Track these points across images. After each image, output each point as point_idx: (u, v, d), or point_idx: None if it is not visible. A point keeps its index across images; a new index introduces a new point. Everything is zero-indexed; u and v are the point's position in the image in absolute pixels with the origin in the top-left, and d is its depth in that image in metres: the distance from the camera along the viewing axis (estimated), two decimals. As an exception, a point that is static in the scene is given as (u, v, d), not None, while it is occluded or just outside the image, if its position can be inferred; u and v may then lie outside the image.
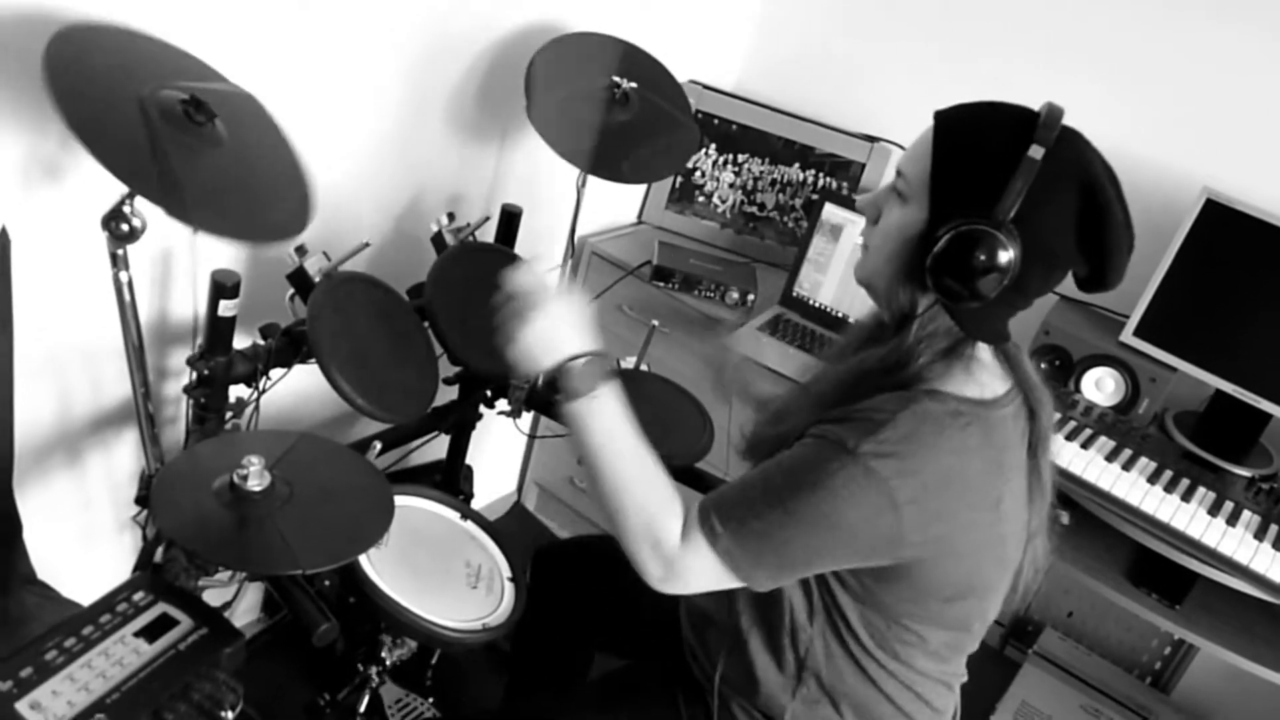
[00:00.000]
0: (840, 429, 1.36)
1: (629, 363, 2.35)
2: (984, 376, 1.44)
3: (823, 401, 1.49)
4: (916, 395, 1.38)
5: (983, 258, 1.30)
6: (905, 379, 1.41)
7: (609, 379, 1.47)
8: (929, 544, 1.37)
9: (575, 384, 1.45)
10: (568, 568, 2.11)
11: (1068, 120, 1.34)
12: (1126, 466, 2.24)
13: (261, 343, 1.87)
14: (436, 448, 2.50)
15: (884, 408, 1.36)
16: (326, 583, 1.79)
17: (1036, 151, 1.28)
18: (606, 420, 1.46)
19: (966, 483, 1.37)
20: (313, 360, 1.77)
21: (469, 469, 2.61)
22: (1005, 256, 1.30)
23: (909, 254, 1.39)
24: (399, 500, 1.92)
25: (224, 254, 1.91)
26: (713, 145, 3.08)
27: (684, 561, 1.41)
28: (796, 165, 3.06)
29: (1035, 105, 1.35)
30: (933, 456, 1.34)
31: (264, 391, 1.89)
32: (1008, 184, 1.28)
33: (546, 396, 1.43)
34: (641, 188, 3.17)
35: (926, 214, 1.37)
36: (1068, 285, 1.45)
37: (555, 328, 1.49)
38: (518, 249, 2.36)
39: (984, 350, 1.46)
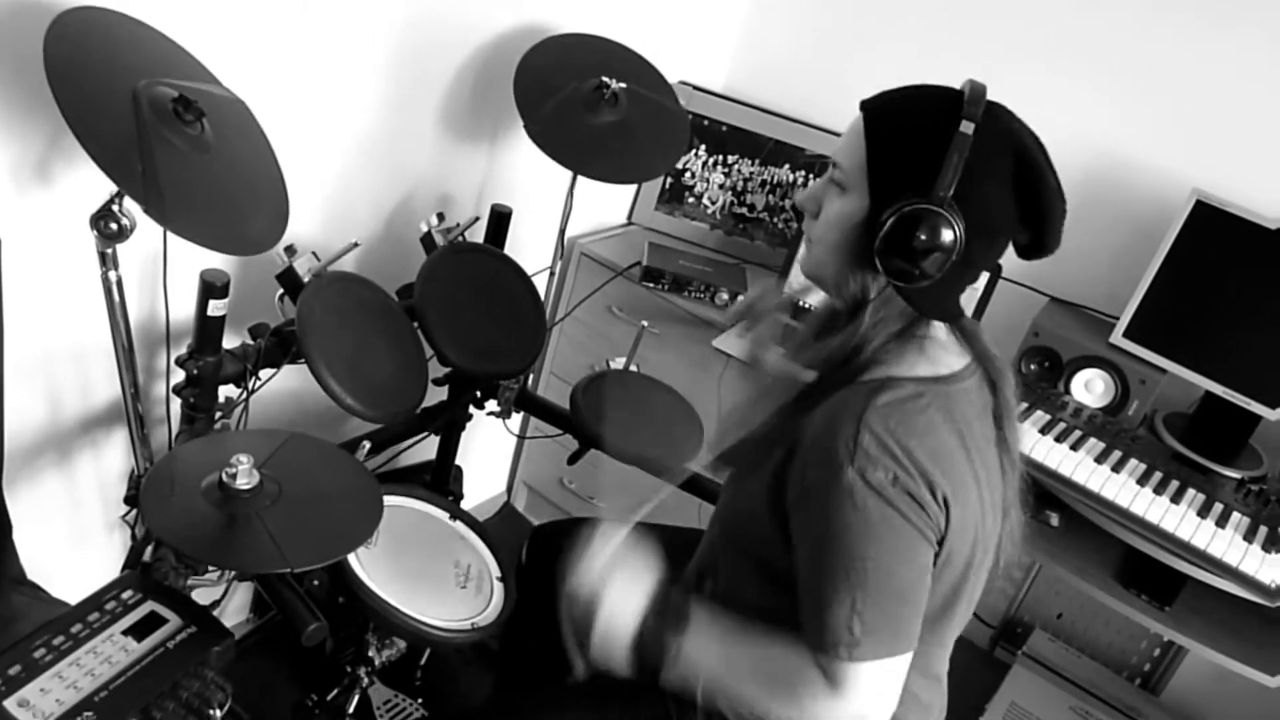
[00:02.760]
0: (821, 470, 1.35)
1: (619, 363, 2.35)
2: (938, 353, 1.46)
3: (785, 398, 1.50)
4: (870, 390, 1.38)
5: (928, 236, 1.32)
6: (857, 366, 1.42)
7: (678, 619, 1.46)
8: (948, 524, 1.37)
9: (655, 651, 1.45)
10: (565, 547, 2.10)
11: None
12: (1116, 468, 2.25)
13: (251, 343, 1.87)
14: (426, 448, 2.50)
15: (843, 416, 1.36)
16: (315, 582, 1.79)
17: (967, 127, 1.31)
18: (700, 654, 1.45)
19: (948, 458, 1.37)
20: (302, 360, 1.77)
21: (458, 469, 2.61)
22: (950, 233, 1.32)
23: (854, 241, 1.40)
24: (388, 500, 1.91)
25: (214, 254, 1.91)
26: (702, 146, 3.08)
27: (857, 693, 1.36)
28: (786, 166, 3.07)
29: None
30: (914, 443, 1.34)
31: (253, 391, 1.89)
32: (944, 161, 1.31)
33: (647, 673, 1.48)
34: (631, 188, 3.17)
35: (867, 200, 1.39)
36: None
37: (613, 617, 1.48)
38: (507, 250, 2.36)
39: (939, 329, 1.47)
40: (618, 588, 1.49)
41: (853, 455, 1.32)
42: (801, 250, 1.55)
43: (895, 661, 1.37)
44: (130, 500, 1.89)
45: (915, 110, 1.39)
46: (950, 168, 1.30)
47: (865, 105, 1.43)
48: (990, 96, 1.39)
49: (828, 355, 1.46)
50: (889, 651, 1.36)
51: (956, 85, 1.39)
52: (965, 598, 1.53)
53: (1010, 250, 1.47)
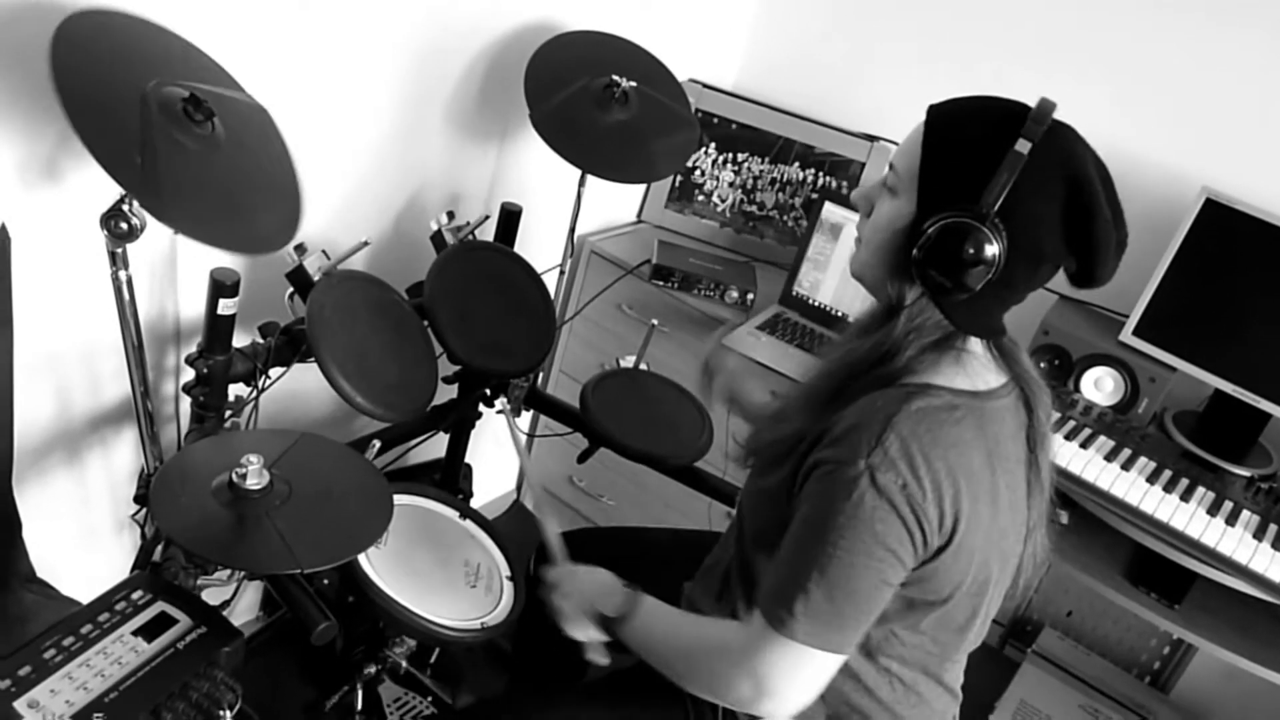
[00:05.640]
0: (840, 450, 1.35)
1: (628, 362, 2.35)
2: (976, 368, 1.45)
3: (815, 397, 1.50)
4: (907, 393, 1.38)
5: (968, 251, 1.31)
6: (893, 371, 1.41)
7: (631, 600, 1.60)
8: (949, 545, 1.36)
9: (611, 615, 1.61)
10: (574, 558, 2.10)
11: (1069, 120, 1.34)
12: (1126, 466, 2.24)
13: (261, 341, 1.87)
14: (435, 446, 2.49)
15: (877, 413, 1.36)
16: (325, 582, 1.79)
17: (1023, 145, 1.28)
18: (647, 625, 1.59)
19: (970, 475, 1.37)
20: (312, 359, 1.77)
21: (468, 468, 2.61)
22: (990, 250, 1.31)
23: (897, 246, 1.40)
24: (398, 499, 1.91)
25: (224, 253, 1.91)
26: (712, 144, 3.07)
27: (769, 667, 1.38)
28: (796, 164, 3.06)
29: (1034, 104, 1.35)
30: (937, 454, 1.33)
31: (263, 390, 1.89)
32: (993, 177, 1.29)
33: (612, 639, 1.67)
34: (640, 187, 3.17)
35: (914, 207, 1.38)
36: (1067, 285, 1.45)
37: (580, 595, 1.68)
38: (517, 248, 2.36)
39: (975, 343, 1.46)
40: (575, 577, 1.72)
41: (871, 450, 1.32)
42: (852, 247, 1.54)
43: (819, 656, 1.38)
44: (140, 499, 1.89)
45: (974, 122, 1.37)
46: (998, 184, 1.29)
47: (931, 110, 1.41)
48: (1001, 95, 1.38)
49: (859, 355, 1.46)
50: (817, 643, 1.36)
51: (1019, 98, 1.36)
52: (982, 614, 1.53)
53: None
